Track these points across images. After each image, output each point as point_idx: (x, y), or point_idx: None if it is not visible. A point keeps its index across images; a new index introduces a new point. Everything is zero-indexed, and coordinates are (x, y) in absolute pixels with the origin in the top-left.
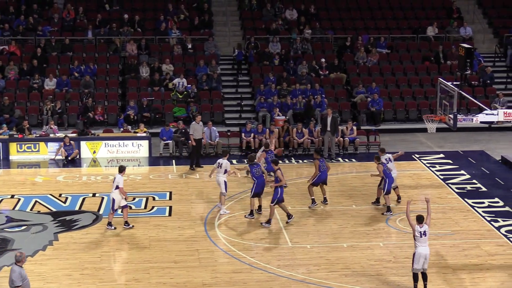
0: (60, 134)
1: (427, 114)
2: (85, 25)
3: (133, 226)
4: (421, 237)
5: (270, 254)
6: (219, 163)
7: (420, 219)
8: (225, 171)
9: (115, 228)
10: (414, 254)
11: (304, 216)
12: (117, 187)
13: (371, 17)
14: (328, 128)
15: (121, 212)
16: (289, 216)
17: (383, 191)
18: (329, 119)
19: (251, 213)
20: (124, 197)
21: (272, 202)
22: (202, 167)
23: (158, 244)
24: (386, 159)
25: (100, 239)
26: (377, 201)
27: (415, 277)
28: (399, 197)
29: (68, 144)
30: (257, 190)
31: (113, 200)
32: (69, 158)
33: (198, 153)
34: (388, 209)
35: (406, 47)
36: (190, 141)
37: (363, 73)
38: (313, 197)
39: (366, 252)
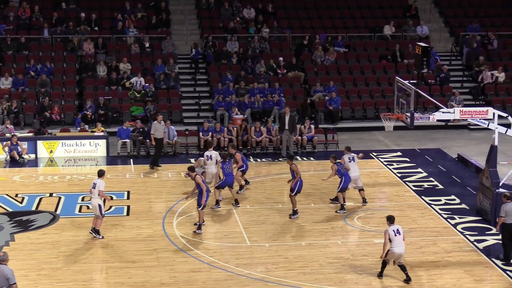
0: (26, 134)
1: (385, 112)
2: (41, 24)
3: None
4: (395, 235)
5: (229, 253)
6: (207, 155)
7: (391, 219)
8: (216, 162)
9: (102, 237)
10: (388, 252)
11: (262, 215)
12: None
13: (328, 16)
14: (286, 127)
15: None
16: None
17: (338, 189)
18: (287, 118)
19: (217, 203)
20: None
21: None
22: (160, 166)
23: (116, 244)
24: (349, 157)
25: (57, 239)
26: (335, 199)
27: (383, 264)
28: (364, 200)
29: (15, 143)
30: (222, 184)
31: (99, 206)
32: (21, 156)
33: (159, 152)
34: (342, 207)
35: (364, 46)
36: (148, 140)
37: (321, 72)
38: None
39: (325, 250)
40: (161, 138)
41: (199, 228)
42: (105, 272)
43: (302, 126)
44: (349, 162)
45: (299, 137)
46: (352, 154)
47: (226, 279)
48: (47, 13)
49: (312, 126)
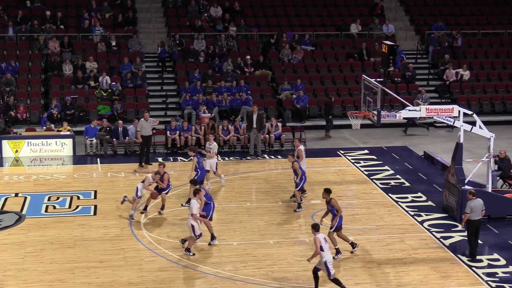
0: None
1: (352, 110)
2: (6, 22)
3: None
4: (326, 243)
5: (197, 252)
6: (208, 148)
7: (316, 227)
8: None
9: (193, 255)
10: (325, 263)
11: (230, 213)
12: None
13: (295, 14)
14: (254, 125)
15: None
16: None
17: (297, 187)
18: (254, 116)
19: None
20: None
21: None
22: (151, 164)
23: (83, 244)
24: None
25: (23, 240)
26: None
27: (337, 282)
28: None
29: None
30: (201, 178)
31: (192, 226)
32: None
33: (147, 150)
34: (299, 206)
35: (330, 44)
36: (136, 138)
37: (288, 70)
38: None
39: (293, 248)
40: (148, 135)
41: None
42: (72, 272)
43: (269, 125)
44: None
45: (267, 136)
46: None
47: (194, 278)
48: (11, 11)
49: (280, 124)
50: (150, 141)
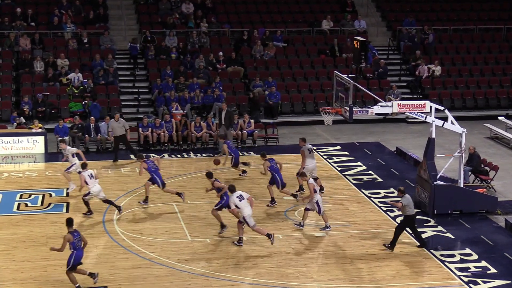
0: None
1: (324, 106)
2: None
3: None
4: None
5: (170, 248)
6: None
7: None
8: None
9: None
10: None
11: (203, 210)
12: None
13: (266, 11)
14: (223, 122)
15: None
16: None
17: (279, 187)
18: (223, 113)
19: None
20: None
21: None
22: (116, 161)
23: (56, 241)
24: (308, 149)
25: None
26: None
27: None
28: (322, 188)
29: None
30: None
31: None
32: None
33: (116, 148)
34: (272, 200)
35: (302, 40)
36: (108, 136)
37: (260, 66)
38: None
39: (266, 244)
40: (120, 135)
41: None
42: (45, 270)
43: (242, 121)
44: (309, 153)
45: (239, 132)
46: (309, 145)
47: (168, 275)
48: None
49: (252, 121)
50: (124, 140)
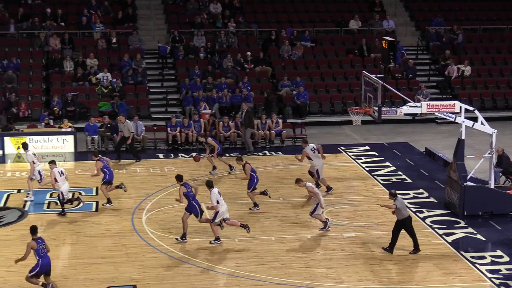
0: None
1: (352, 106)
2: (7, 19)
3: None
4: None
5: (199, 248)
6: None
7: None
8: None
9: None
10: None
11: (231, 210)
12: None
13: (294, 10)
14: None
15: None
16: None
17: (249, 189)
18: (243, 114)
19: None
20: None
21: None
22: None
23: (85, 240)
24: (312, 148)
25: (26, 236)
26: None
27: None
28: (328, 187)
29: None
30: (110, 178)
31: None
32: None
33: (118, 147)
34: (255, 204)
35: (330, 40)
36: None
37: (288, 66)
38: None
39: (294, 244)
40: (126, 136)
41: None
42: (75, 268)
43: (270, 121)
44: (313, 153)
45: (268, 132)
46: (312, 145)
47: (196, 274)
48: (12, 9)
49: (280, 121)
50: (129, 140)
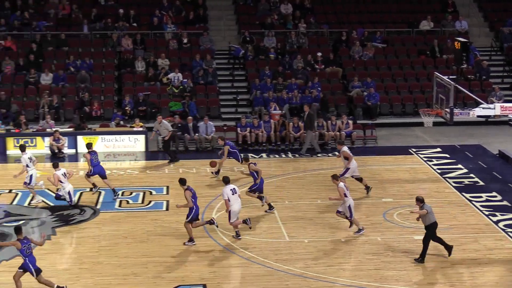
0: (66, 129)
1: (424, 108)
2: (81, 20)
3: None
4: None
5: (268, 248)
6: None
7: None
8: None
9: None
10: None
11: (300, 210)
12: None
13: (366, 11)
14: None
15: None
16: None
17: (251, 190)
18: (305, 116)
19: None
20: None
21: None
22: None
23: (156, 239)
24: (349, 147)
25: (98, 234)
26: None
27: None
28: (367, 188)
29: (57, 138)
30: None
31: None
32: (61, 151)
33: (167, 149)
34: (269, 206)
35: (401, 41)
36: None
37: (359, 67)
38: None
39: (364, 246)
40: (162, 136)
41: (190, 240)
42: (145, 266)
43: (340, 122)
44: (350, 153)
45: (337, 133)
46: (346, 146)
47: (266, 274)
48: (86, 10)
49: (350, 122)
50: (165, 141)
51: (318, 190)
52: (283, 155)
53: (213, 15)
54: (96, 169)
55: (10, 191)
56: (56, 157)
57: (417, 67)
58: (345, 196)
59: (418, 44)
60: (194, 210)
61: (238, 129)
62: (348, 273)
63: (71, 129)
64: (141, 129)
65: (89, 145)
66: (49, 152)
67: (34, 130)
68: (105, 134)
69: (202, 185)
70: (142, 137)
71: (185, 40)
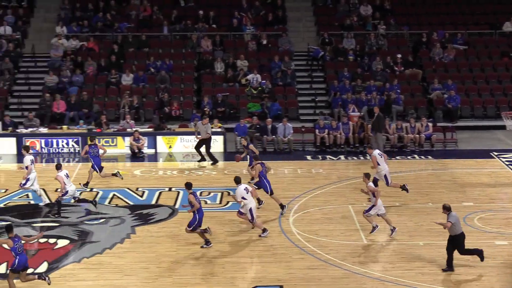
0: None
1: (506, 111)
2: (161, 22)
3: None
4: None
5: (345, 251)
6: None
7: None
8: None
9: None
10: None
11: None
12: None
13: (446, 13)
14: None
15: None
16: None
17: (268, 192)
18: (374, 118)
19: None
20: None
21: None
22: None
23: (233, 239)
24: (379, 153)
25: (176, 233)
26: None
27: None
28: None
29: (137, 138)
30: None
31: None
32: (141, 151)
33: (198, 150)
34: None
35: (484, 42)
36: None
37: (439, 69)
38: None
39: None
40: (203, 138)
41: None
42: (223, 266)
43: (419, 124)
44: (380, 157)
45: (417, 136)
46: (377, 150)
47: (343, 277)
48: (166, 11)
49: (430, 124)
50: (205, 143)
51: (397, 193)
52: (362, 157)
53: (292, 16)
54: (95, 161)
55: (91, 190)
56: (135, 157)
57: (500, 69)
58: (373, 195)
59: (501, 45)
60: (198, 219)
61: (316, 130)
62: (426, 277)
63: (150, 129)
64: (219, 129)
65: (92, 138)
66: (129, 151)
67: (115, 130)
68: (184, 134)
69: (280, 187)
70: (220, 138)
71: (264, 42)
